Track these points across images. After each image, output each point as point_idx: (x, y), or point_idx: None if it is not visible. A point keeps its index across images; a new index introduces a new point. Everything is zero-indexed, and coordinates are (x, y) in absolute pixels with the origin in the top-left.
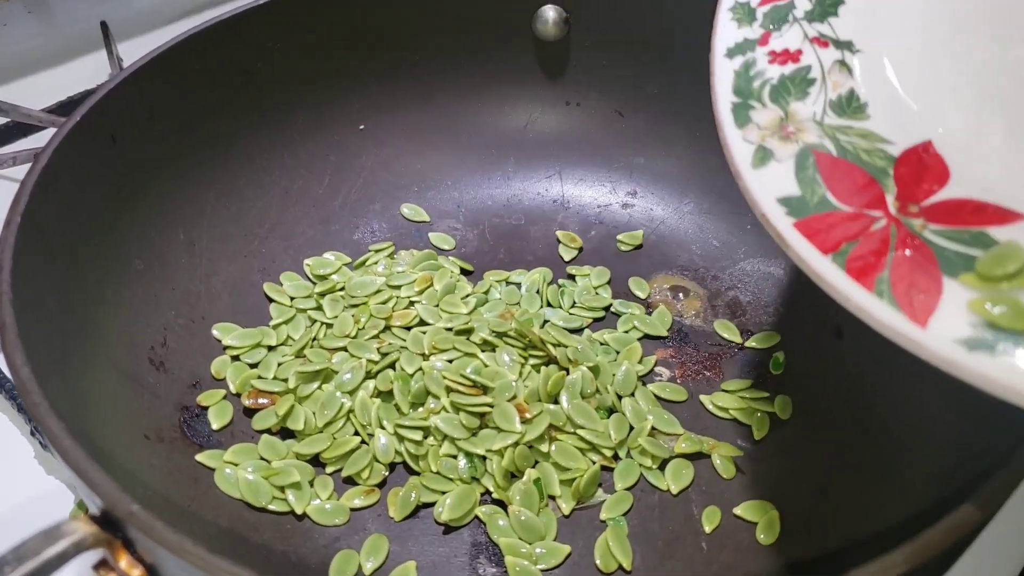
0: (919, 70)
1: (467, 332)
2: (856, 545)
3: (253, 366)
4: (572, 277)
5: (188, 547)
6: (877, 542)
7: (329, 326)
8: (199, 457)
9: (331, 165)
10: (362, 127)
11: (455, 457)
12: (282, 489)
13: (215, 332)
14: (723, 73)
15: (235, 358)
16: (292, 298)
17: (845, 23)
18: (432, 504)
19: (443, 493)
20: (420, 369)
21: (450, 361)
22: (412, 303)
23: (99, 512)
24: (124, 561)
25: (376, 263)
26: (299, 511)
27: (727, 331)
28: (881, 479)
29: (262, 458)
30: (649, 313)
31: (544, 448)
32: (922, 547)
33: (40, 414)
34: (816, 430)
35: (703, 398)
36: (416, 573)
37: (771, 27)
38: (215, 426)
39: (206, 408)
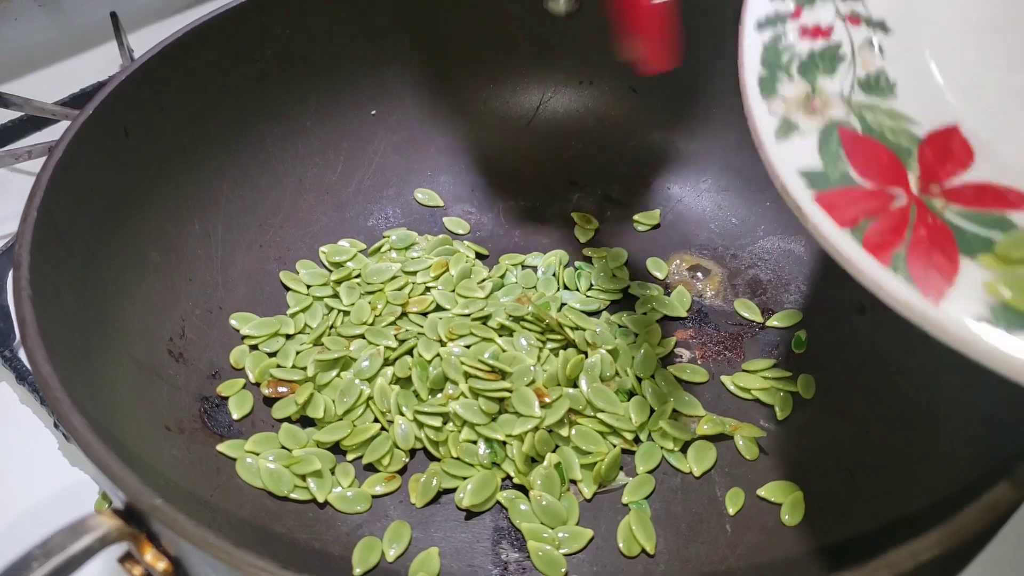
0: (952, 53)
1: (484, 317)
2: (887, 526)
3: (272, 355)
4: (589, 259)
5: (211, 540)
6: (908, 523)
7: (346, 313)
8: (220, 447)
9: (344, 152)
10: (374, 112)
11: (475, 443)
12: (303, 477)
13: (233, 322)
14: (752, 44)
15: (253, 347)
16: (308, 286)
17: (879, 2)
18: (453, 490)
19: (464, 479)
20: (438, 355)
21: (468, 347)
22: (428, 289)
23: (123, 506)
24: (149, 554)
25: (390, 250)
26: (321, 499)
27: (748, 310)
28: (910, 459)
29: (283, 447)
30: (668, 294)
31: (564, 432)
32: (957, 528)
33: (62, 410)
34: (841, 409)
35: (724, 379)
36: (439, 559)
37: (804, 2)
38: (235, 416)
39: (226, 398)
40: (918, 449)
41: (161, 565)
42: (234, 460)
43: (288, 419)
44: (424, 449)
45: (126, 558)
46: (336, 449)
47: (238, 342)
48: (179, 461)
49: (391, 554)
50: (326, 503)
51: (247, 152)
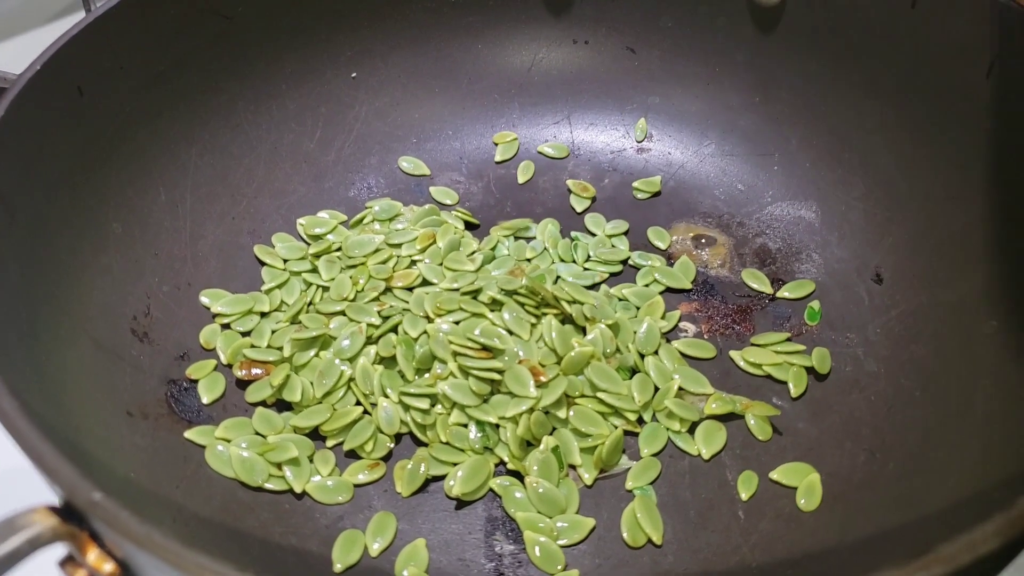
0: None
1: (474, 292)
2: (913, 512)
3: (245, 334)
4: (586, 230)
5: (157, 539)
6: (941, 510)
7: (325, 289)
8: (188, 434)
9: (322, 117)
10: (354, 75)
11: (465, 426)
12: (279, 466)
13: (203, 299)
14: None
15: (225, 326)
16: (285, 260)
17: None
18: (442, 477)
19: (454, 465)
20: (425, 332)
21: (456, 323)
22: (414, 262)
23: (60, 502)
24: (93, 555)
25: (373, 222)
26: (298, 489)
27: (756, 281)
28: (937, 438)
29: (257, 433)
30: (671, 265)
31: (562, 414)
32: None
33: None
34: (859, 385)
35: (733, 354)
36: (427, 551)
37: None
38: (205, 400)
39: (195, 381)
40: (946, 427)
41: (107, 567)
42: (204, 448)
43: (263, 403)
44: (410, 434)
45: (68, 561)
46: (315, 435)
47: (208, 321)
48: (141, 450)
49: (375, 548)
50: (304, 494)
51: (217, 116)
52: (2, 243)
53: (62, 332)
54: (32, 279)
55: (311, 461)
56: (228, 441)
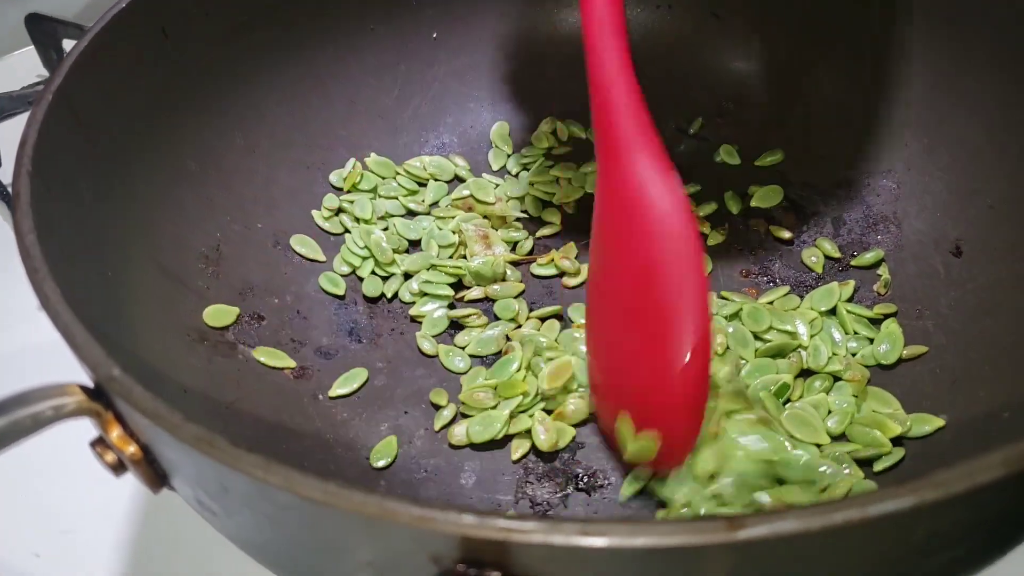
0: None
1: None
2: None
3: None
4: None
5: (163, 412)
6: None
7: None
8: None
9: (401, 75)
10: (435, 35)
11: None
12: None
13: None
14: None
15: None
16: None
17: None
18: None
19: None
20: None
21: None
22: None
23: (93, 384)
24: (115, 433)
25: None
26: None
27: (829, 250)
28: (1001, 415)
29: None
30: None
31: None
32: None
33: (37, 279)
34: (925, 358)
35: None
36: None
37: None
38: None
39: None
40: (1012, 403)
41: (130, 449)
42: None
43: None
44: None
45: (97, 442)
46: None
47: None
48: (196, 370)
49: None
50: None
51: (297, 68)
52: (75, 163)
53: (129, 254)
54: (102, 200)
55: None
56: None
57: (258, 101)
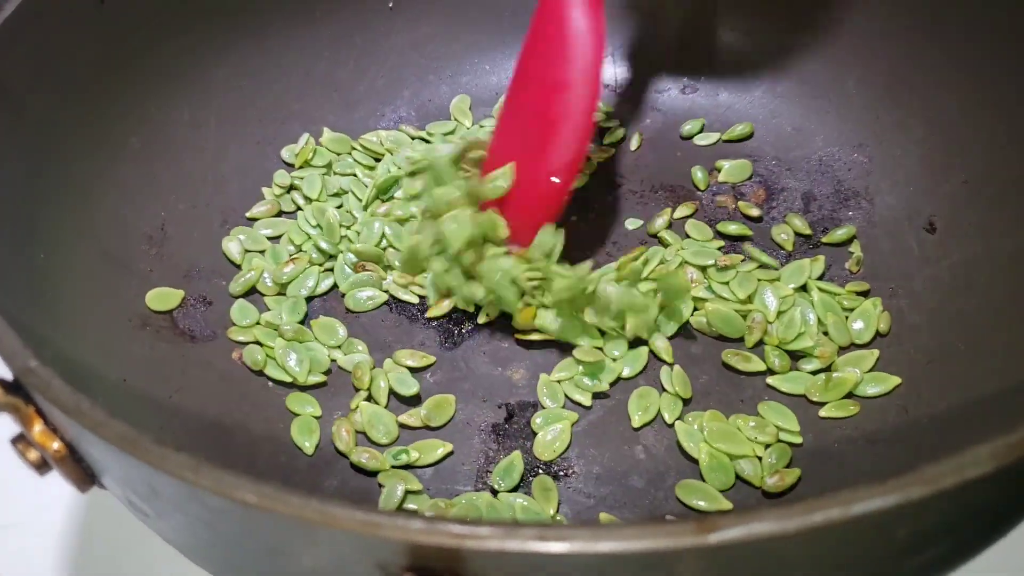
0: None
1: None
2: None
3: None
4: None
5: (84, 407)
6: None
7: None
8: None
9: (357, 47)
10: (391, 5)
11: None
12: None
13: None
14: None
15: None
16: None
17: None
18: None
19: None
20: None
21: None
22: None
23: (12, 378)
24: (37, 429)
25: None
26: None
27: (799, 227)
28: (978, 395)
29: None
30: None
31: None
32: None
33: None
34: (900, 339)
35: None
36: None
37: None
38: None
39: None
40: (988, 382)
41: (54, 446)
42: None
43: None
44: None
45: (19, 439)
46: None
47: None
48: (138, 359)
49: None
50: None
51: (248, 39)
52: (7, 139)
53: (67, 237)
54: (34, 178)
55: None
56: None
57: (206, 74)
